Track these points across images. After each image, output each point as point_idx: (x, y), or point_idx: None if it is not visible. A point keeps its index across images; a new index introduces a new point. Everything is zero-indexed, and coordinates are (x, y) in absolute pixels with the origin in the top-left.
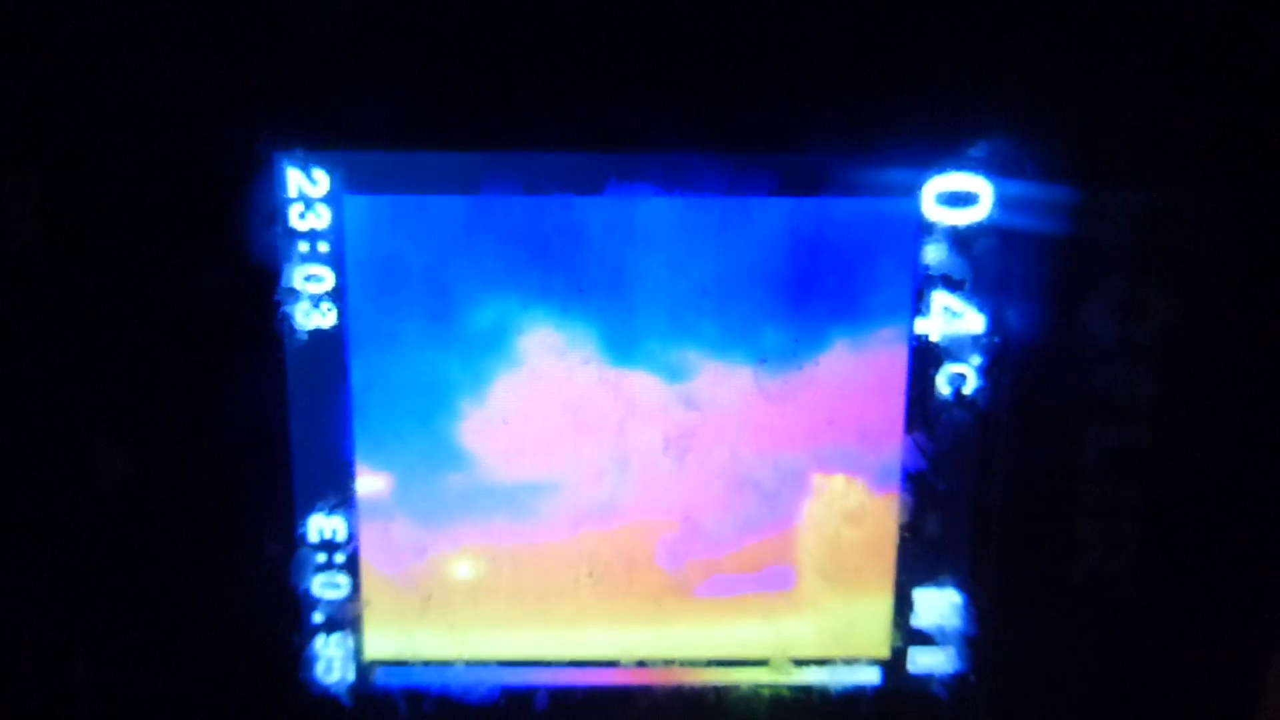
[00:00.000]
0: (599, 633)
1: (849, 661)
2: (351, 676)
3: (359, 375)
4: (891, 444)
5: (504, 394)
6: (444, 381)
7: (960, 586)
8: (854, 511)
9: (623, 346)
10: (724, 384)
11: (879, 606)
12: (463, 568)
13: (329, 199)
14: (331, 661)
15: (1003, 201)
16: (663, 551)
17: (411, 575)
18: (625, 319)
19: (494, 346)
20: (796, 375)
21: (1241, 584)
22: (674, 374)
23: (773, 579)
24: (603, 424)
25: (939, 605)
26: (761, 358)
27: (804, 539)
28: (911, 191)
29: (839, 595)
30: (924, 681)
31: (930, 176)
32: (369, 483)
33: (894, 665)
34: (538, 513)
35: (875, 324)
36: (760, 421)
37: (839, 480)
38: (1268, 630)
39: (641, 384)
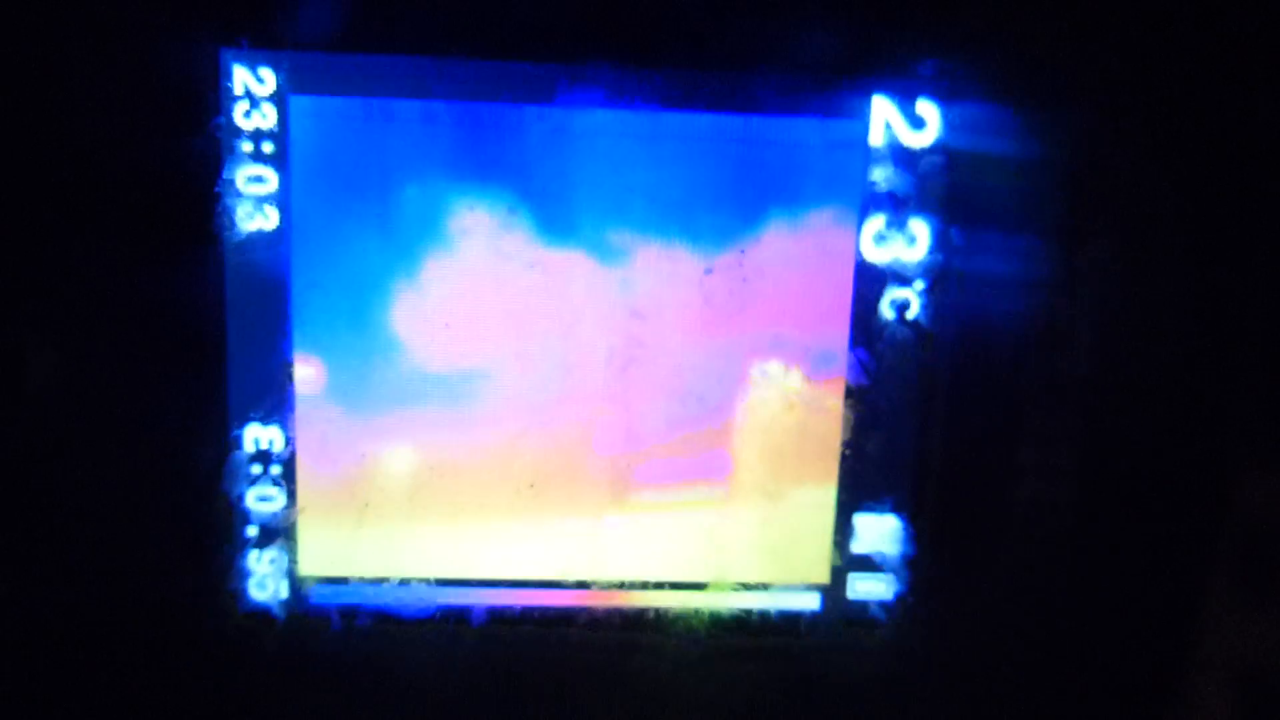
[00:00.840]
0: (539, 545)
1: (788, 586)
2: (285, 593)
3: (300, 279)
4: (833, 333)
5: (443, 288)
6: (384, 276)
7: (900, 511)
8: (801, 408)
9: (565, 243)
10: (667, 282)
11: (819, 530)
12: (399, 464)
13: (275, 98)
14: (265, 578)
15: (949, 123)
16: (601, 437)
17: (348, 476)
18: (569, 220)
19: (434, 240)
20: (745, 280)
21: (1179, 511)
22: (616, 266)
23: (711, 465)
24: (541, 312)
25: (879, 530)
26: (707, 267)
27: (742, 424)
28: (859, 113)
29: (778, 503)
30: (863, 606)
31: (874, 97)
32: (304, 376)
33: (833, 590)
34: (474, 403)
35: (821, 230)
36: (711, 319)
37: (776, 366)
38: (1202, 559)
39: (583, 275)
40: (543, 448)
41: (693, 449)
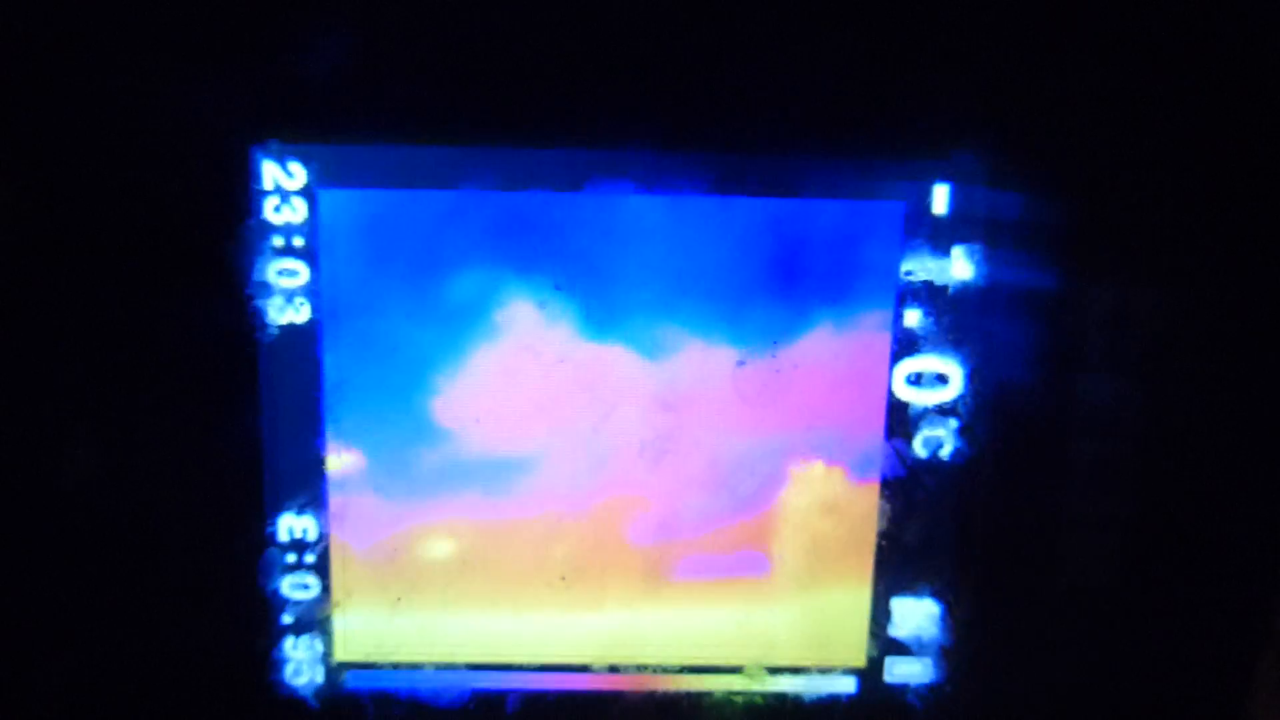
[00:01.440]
0: (572, 631)
1: (824, 670)
2: (320, 679)
3: (332, 372)
4: (869, 445)
5: (478, 382)
6: (418, 371)
7: (938, 596)
8: (830, 499)
9: (600, 335)
10: (702, 377)
11: (856, 614)
12: (434, 552)
13: (304, 193)
14: (300, 664)
15: (985, 207)
16: (636, 530)
17: (383, 565)
18: (603, 311)
19: (470, 335)
20: (774, 374)
21: (1222, 597)
22: (653, 359)
23: (746, 563)
24: (575, 403)
25: (917, 615)
26: (740, 360)
27: (779, 524)
28: (897, 196)
29: (815, 590)
30: (900, 691)
31: (920, 181)
32: (339, 466)
33: (870, 674)
34: (508, 493)
35: (856, 327)
36: (738, 416)
37: (817, 467)
38: (1249, 645)
39: (619, 359)
40: (577, 537)
41: (727, 543)
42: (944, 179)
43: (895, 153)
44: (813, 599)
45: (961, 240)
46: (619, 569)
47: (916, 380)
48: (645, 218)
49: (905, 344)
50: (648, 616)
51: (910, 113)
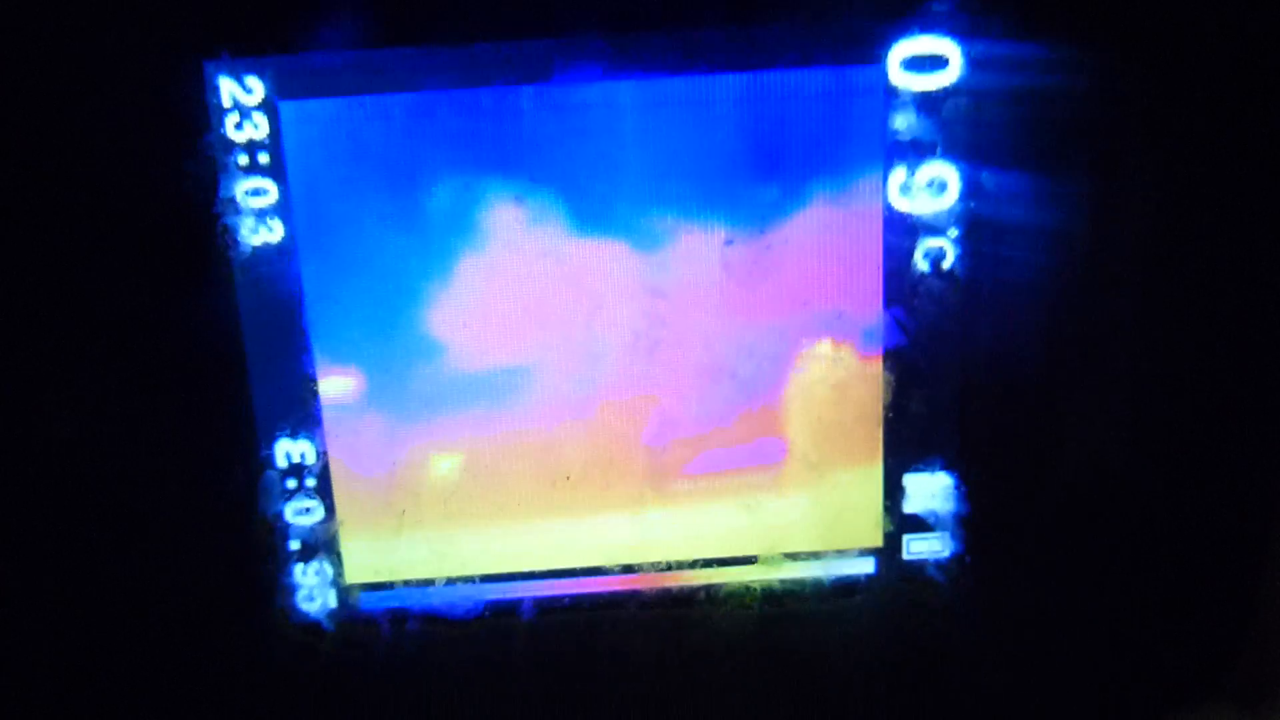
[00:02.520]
0: (583, 534)
1: (841, 552)
2: (333, 602)
3: (312, 288)
4: (870, 314)
5: (464, 283)
6: (400, 277)
7: (950, 468)
8: (842, 376)
9: (582, 226)
10: (692, 260)
11: (869, 493)
12: (436, 468)
13: (264, 107)
14: (312, 589)
15: (970, 62)
16: (644, 429)
17: (384, 482)
18: (581, 200)
19: (449, 237)
20: (769, 248)
21: (1235, 463)
22: (640, 246)
23: (760, 452)
24: (571, 307)
25: (930, 488)
26: (729, 239)
27: (793, 407)
28: (875, 58)
29: (828, 475)
30: (919, 567)
31: (894, 40)
32: (328, 386)
33: (888, 553)
34: (511, 398)
35: (845, 192)
36: (732, 297)
37: (821, 345)
38: (1265, 511)
39: (605, 251)
40: (583, 442)
41: (739, 434)
42: (920, 31)
43: (865, 12)
44: (825, 482)
45: (946, 90)
46: (628, 469)
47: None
48: (617, 103)
49: (895, 210)
50: (660, 514)
51: None
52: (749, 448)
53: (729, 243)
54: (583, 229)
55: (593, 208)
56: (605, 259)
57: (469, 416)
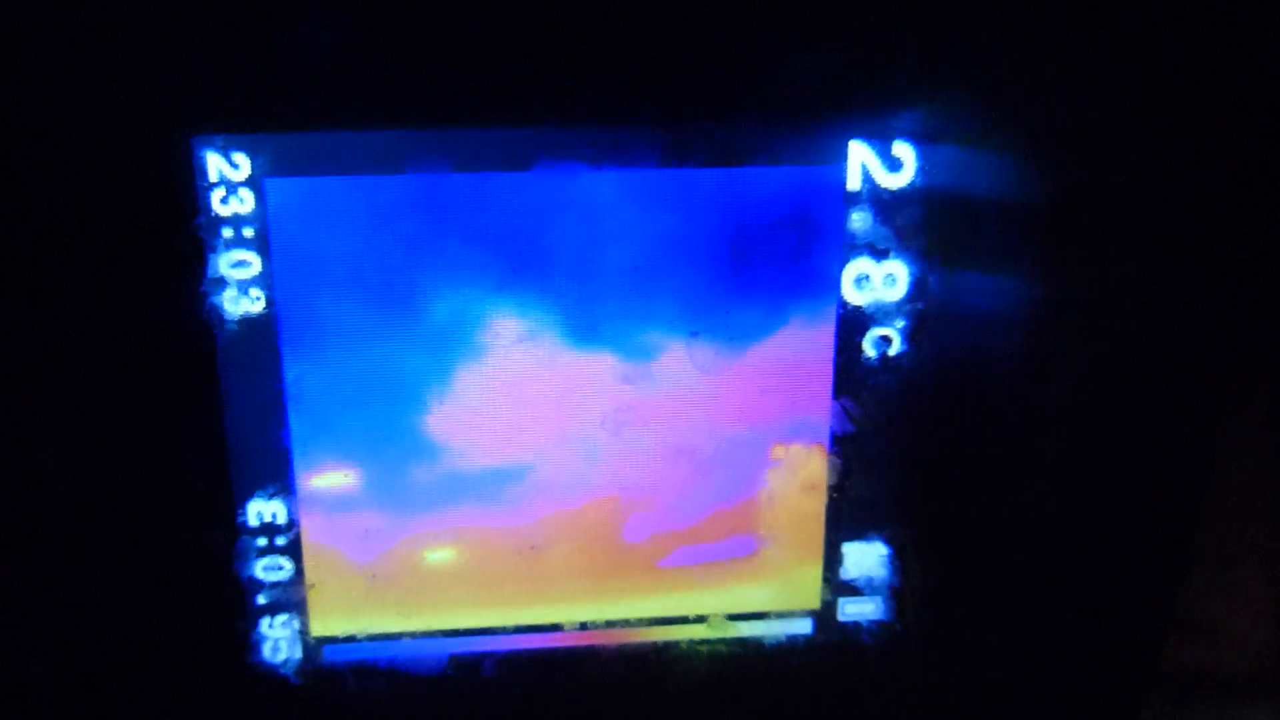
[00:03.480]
0: (544, 603)
1: (782, 614)
2: (299, 654)
3: (292, 360)
4: (819, 406)
5: (444, 372)
6: (376, 359)
7: (887, 540)
8: (798, 465)
9: (558, 319)
10: (656, 351)
11: (811, 561)
12: (421, 555)
13: (250, 183)
14: (278, 642)
15: (924, 167)
16: (630, 525)
17: (355, 551)
18: (559, 292)
19: (426, 323)
20: (728, 343)
21: (1157, 533)
22: (611, 343)
23: (735, 547)
24: (538, 397)
25: (867, 558)
26: (694, 330)
27: (764, 506)
28: (835, 159)
29: (775, 550)
30: (853, 630)
31: (851, 142)
32: (313, 472)
33: (824, 616)
34: (496, 497)
35: (809, 288)
36: (703, 393)
37: (796, 449)
38: (1175, 575)
39: (587, 363)
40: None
41: (719, 533)
42: (885, 139)
43: (835, 117)
44: (772, 552)
45: (907, 199)
46: (607, 562)
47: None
48: (596, 194)
49: (850, 309)
50: (613, 578)
51: (848, 79)
52: (723, 544)
53: (694, 334)
54: (556, 326)
55: (565, 304)
56: (568, 352)
57: (456, 511)
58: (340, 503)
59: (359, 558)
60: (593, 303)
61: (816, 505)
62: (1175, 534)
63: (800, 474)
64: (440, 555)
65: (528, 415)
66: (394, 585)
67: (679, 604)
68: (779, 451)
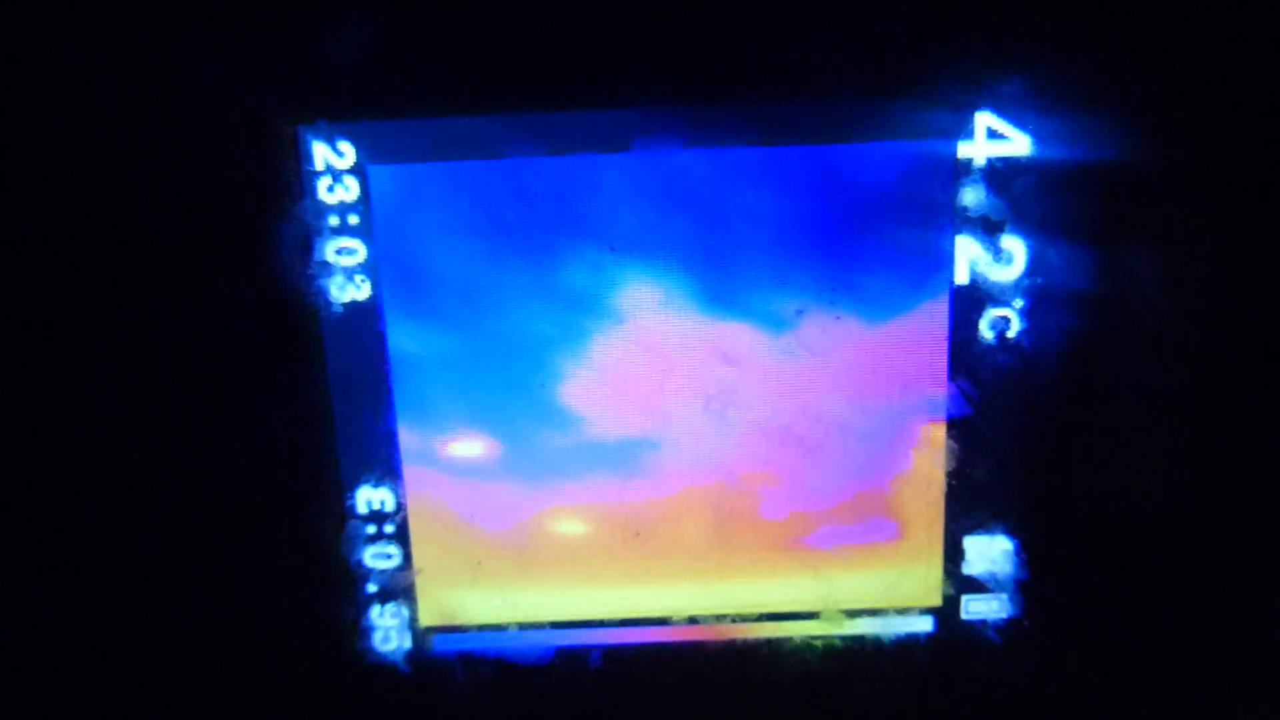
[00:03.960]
0: (650, 587)
1: (901, 611)
2: (408, 644)
3: (397, 345)
4: (935, 385)
5: (547, 352)
6: (482, 341)
7: (1010, 532)
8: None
9: (657, 296)
10: (761, 333)
11: (930, 554)
12: (512, 529)
13: (355, 170)
14: (388, 631)
15: (1038, 138)
16: (769, 503)
17: (462, 535)
18: (656, 271)
19: (531, 304)
20: (834, 320)
21: None
22: (711, 314)
23: (876, 529)
24: (645, 375)
25: (990, 552)
26: (799, 309)
27: (906, 487)
28: (946, 133)
29: (892, 540)
30: (977, 628)
31: (965, 116)
32: (412, 439)
33: (947, 613)
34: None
35: (915, 267)
36: (793, 367)
37: (924, 429)
38: None
39: (674, 329)
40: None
41: (858, 514)
42: (990, 109)
43: (938, 89)
44: (889, 540)
45: (1015, 170)
46: (746, 539)
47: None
48: (695, 173)
49: (964, 287)
50: (733, 572)
51: (949, 48)
52: (864, 525)
53: (799, 312)
54: (658, 300)
55: (674, 280)
56: (680, 326)
57: (591, 484)
58: (452, 483)
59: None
60: (693, 277)
61: (935, 494)
62: None
63: (918, 459)
64: (566, 529)
65: (652, 388)
66: (499, 574)
67: (780, 593)
68: (921, 431)
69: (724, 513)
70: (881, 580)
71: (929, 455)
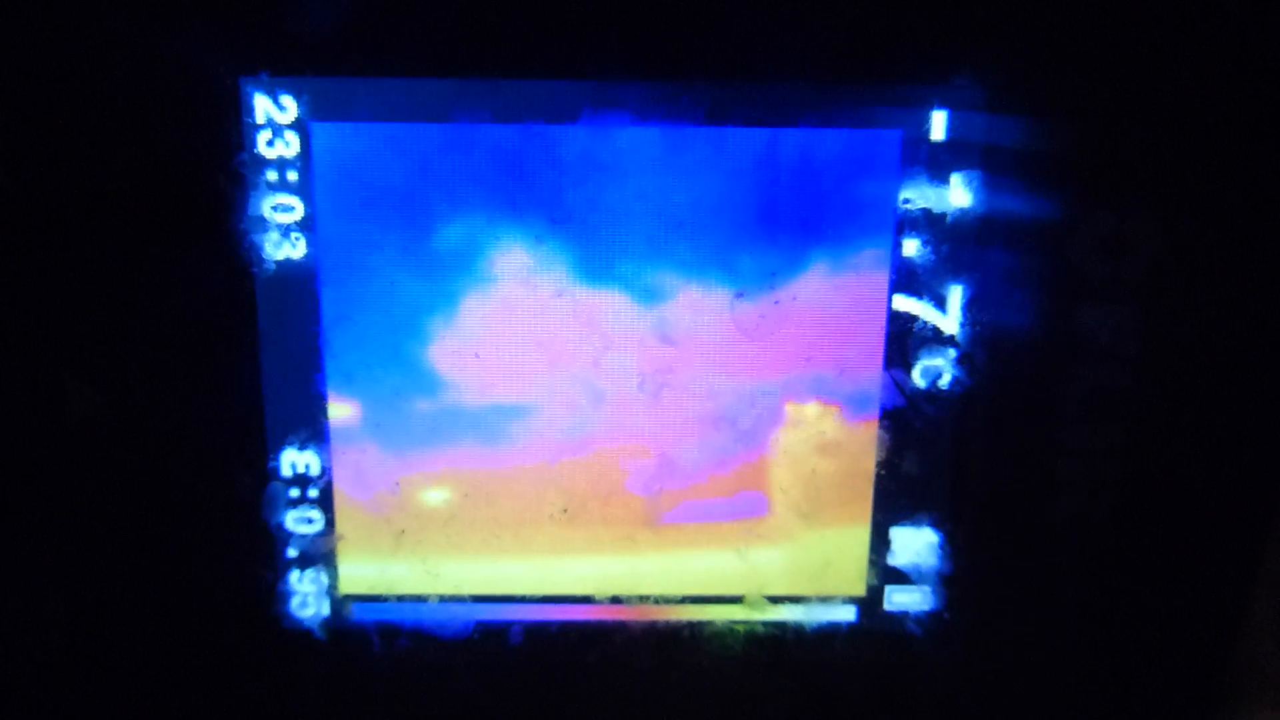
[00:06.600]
0: (573, 566)
1: (824, 599)
2: (326, 611)
3: (330, 306)
4: (868, 375)
5: (474, 319)
6: (414, 307)
7: (937, 525)
8: (835, 434)
9: (596, 270)
10: (699, 310)
11: (855, 544)
12: (435, 495)
13: (296, 126)
14: (306, 597)
15: (984, 135)
16: (635, 479)
17: (384, 503)
18: (599, 244)
19: (465, 271)
20: (773, 305)
21: (1217, 525)
22: (649, 297)
23: (745, 505)
24: (577, 349)
25: (915, 543)
26: (738, 290)
27: (777, 467)
28: (894, 124)
29: (814, 528)
30: (899, 619)
31: (912, 108)
32: (340, 411)
33: (870, 603)
34: (509, 437)
35: (855, 256)
36: (735, 350)
37: (812, 408)
38: (1243, 570)
39: (616, 306)
40: (578, 487)
41: (727, 489)
42: (941, 105)
43: (892, 79)
44: (813, 532)
45: (960, 168)
46: (619, 514)
47: (913, 311)
48: (641, 149)
49: (904, 274)
50: (649, 553)
51: (907, 38)
52: (732, 501)
53: (739, 295)
54: (595, 274)
55: (607, 253)
56: (614, 306)
57: (467, 450)
58: (352, 440)
59: (363, 496)
60: (636, 256)
61: (863, 484)
62: (1245, 529)
63: (817, 437)
64: (455, 499)
65: (554, 355)
66: (421, 543)
67: (705, 573)
68: (793, 411)
69: (592, 485)
70: (806, 567)
71: (859, 444)
